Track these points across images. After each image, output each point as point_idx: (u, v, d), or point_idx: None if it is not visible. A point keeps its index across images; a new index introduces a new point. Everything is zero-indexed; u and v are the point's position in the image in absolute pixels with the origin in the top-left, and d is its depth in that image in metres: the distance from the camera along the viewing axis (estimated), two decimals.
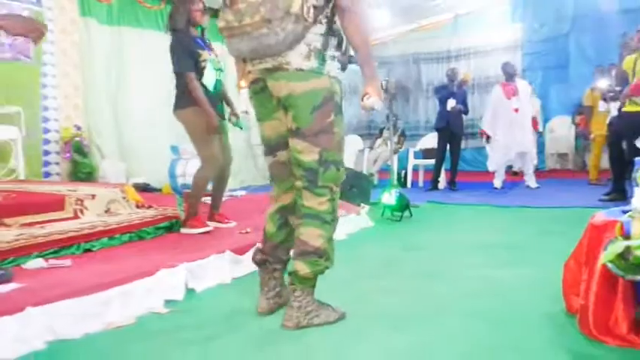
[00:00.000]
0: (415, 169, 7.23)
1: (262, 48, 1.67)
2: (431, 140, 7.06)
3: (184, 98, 3.11)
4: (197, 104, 3.06)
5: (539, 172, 7.07)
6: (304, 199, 1.78)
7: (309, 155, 1.75)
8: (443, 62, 8.81)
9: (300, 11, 1.61)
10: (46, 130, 5.18)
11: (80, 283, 2.00)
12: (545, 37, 8.37)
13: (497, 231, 3.79)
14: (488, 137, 6.33)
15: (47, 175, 5.14)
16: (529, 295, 2.13)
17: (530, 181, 6.31)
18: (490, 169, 6.53)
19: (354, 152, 7.38)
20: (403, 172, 7.15)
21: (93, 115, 5.58)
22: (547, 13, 8.27)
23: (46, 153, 5.17)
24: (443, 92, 6.46)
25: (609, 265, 1.48)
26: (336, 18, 1.74)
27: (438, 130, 6.54)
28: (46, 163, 5.16)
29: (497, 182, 6.46)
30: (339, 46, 1.78)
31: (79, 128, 5.35)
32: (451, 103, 6.25)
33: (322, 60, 1.72)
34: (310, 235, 1.75)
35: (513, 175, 7.17)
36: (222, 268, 2.47)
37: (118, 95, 5.81)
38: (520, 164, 6.47)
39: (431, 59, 9.12)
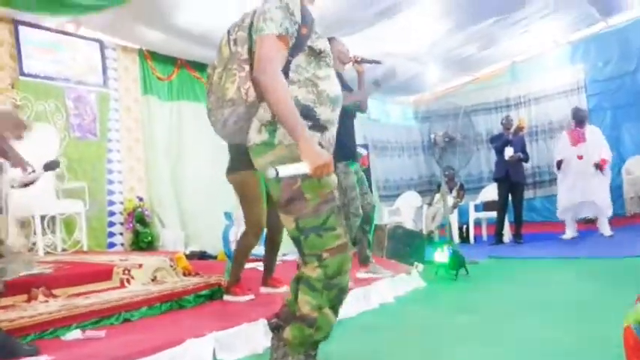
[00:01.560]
0: (477, 223, 6.92)
1: (219, 133, 1.87)
2: (492, 192, 6.77)
3: (237, 161, 3.18)
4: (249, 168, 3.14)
5: (618, 218, 6.56)
6: (302, 265, 1.77)
7: (288, 225, 1.77)
8: (502, 111, 8.58)
9: (235, 95, 1.72)
10: (111, 203, 5.47)
11: (107, 354, 2.01)
12: (610, 76, 7.98)
13: (562, 286, 3.49)
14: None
15: (112, 245, 5.39)
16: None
17: (604, 228, 5.85)
18: (560, 217, 6.14)
19: (412, 209, 7.21)
20: (465, 226, 6.87)
21: (154, 186, 5.86)
22: (610, 51, 7.92)
23: (111, 224, 5.44)
24: (498, 141, 6.25)
25: (633, 326, 1.30)
26: (290, 89, 1.70)
27: (497, 180, 6.29)
28: (111, 234, 5.42)
29: (569, 232, 6.04)
30: (303, 115, 1.70)
31: (141, 199, 5.62)
32: (509, 152, 6.03)
33: (272, 130, 1.73)
34: (301, 300, 1.72)
35: (587, 223, 6.67)
36: (254, 337, 2.40)
37: (177, 166, 6.09)
38: (591, 212, 6.04)
39: (489, 109, 8.92)
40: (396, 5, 5.54)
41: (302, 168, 1.59)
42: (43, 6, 4.56)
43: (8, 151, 2.32)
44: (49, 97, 4.88)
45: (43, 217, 4.42)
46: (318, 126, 1.77)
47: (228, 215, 5.34)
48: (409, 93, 9.24)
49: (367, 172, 5.55)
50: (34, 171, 2.64)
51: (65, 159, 4.90)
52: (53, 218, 4.61)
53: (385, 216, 7.20)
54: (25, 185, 2.74)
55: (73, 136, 5.07)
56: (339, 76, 3.87)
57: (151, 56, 5.86)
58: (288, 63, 1.72)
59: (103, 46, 5.41)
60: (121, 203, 5.55)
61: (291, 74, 1.74)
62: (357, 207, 3.69)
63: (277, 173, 1.57)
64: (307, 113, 1.73)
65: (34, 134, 4.64)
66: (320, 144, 1.74)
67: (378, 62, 3.96)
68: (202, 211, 5.99)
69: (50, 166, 3.19)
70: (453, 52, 7.42)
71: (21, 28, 4.72)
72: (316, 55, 1.77)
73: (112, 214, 5.45)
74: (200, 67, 6.25)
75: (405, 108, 9.90)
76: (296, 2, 1.73)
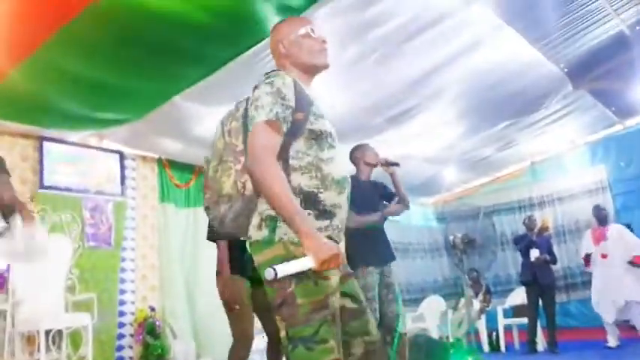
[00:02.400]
0: (508, 329, 6.48)
1: (218, 231, 1.82)
2: (521, 295, 6.41)
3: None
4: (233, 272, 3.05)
5: None
6: None
7: (281, 330, 1.59)
8: (525, 211, 8.38)
9: (232, 190, 1.65)
10: (122, 313, 5.33)
11: None
12: (634, 175, 7.80)
13: None
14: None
15: (120, 359, 5.17)
16: None
17: None
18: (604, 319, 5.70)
19: (436, 315, 6.83)
20: (494, 333, 6.43)
21: (168, 295, 5.72)
22: (631, 151, 7.81)
23: (121, 336, 5.26)
24: (522, 242, 6.03)
25: None
26: (291, 177, 1.63)
27: (525, 284, 5.98)
28: (120, 347, 5.21)
29: (611, 339, 5.57)
30: (307, 203, 1.63)
31: (153, 309, 5.47)
32: (534, 254, 5.78)
33: (273, 227, 1.60)
34: None
35: (631, 330, 6.16)
36: None
37: (190, 273, 5.98)
38: (630, 315, 5.61)
39: (512, 209, 8.75)
40: (408, 111, 5.66)
41: (306, 264, 1.46)
42: (68, 122, 4.80)
43: None
44: (66, 207, 4.98)
45: (48, 332, 4.30)
46: (325, 213, 1.65)
47: None
48: (429, 194, 9.18)
49: None
50: None
51: (77, 270, 4.86)
52: (60, 332, 4.47)
53: (408, 322, 6.83)
54: None
55: (88, 245, 5.08)
56: (380, 185, 3.88)
57: (169, 164, 6.01)
58: (286, 149, 1.64)
59: (122, 157, 5.59)
60: (132, 313, 5.41)
61: (291, 161, 1.65)
62: (374, 309, 3.48)
63: (276, 274, 1.44)
64: (312, 200, 1.63)
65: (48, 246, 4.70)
66: (329, 236, 1.62)
67: (397, 165, 3.94)
68: (215, 320, 5.76)
69: None
70: (470, 153, 7.45)
71: (45, 143, 4.93)
72: (317, 137, 1.68)
73: (121, 325, 5.30)
74: None
75: (425, 209, 9.80)
76: (289, 86, 1.67)
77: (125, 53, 3.70)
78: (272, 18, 3.69)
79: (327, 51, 1.82)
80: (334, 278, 1.62)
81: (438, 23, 4.22)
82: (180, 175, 6.13)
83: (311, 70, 1.83)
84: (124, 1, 3.13)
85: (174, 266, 5.88)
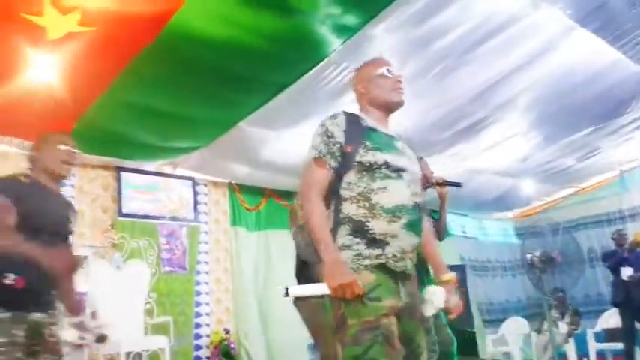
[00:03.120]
0: (601, 354, 5.96)
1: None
2: (614, 317, 5.88)
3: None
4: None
5: None
6: None
7: (338, 351, 1.69)
8: (615, 224, 7.73)
9: (302, 221, 1.81)
10: (198, 336, 5.47)
11: None
12: None
13: None
14: None
15: None
16: None
17: None
18: None
19: (519, 337, 6.43)
20: (585, 359, 5.93)
21: (241, 318, 5.80)
22: None
23: (197, 358, 5.38)
24: (612, 259, 5.56)
25: None
26: (342, 207, 1.78)
27: (616, 305, 5.49)
28: None
29: None
30: (357, 232, 1.75)
31: (227, 332, 5.56)
32: (626, 272, 5.31)
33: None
34: None
35: None
36: None
37: (264, 295, 6.04)
38: None
39: (598, 222, 8.12)
40: (477, 124, 5.44)
41: (319, 289, 1.59)
42: (143, 153, 5.06)
43: (68, 295, 2.35)
44: (144, 234, 5.21)
45: (128, 354, 4.47)
46: (375, 241, 1.72)
47: (310, 346, 5.07)
48: (505, 209, 8.74)
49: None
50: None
51: (155, 294, 5.05)
52: (139, 354, 4.64)
53: (489, 344, 6.48)
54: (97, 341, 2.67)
55: (164, 270, 5.27)
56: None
57: (239, 189, 6.15)
58: (339, 181, 1.80)
59: (194, 183, 5.79)
60: (208, 336, 5.52)
61: (342, 192, 1.79)
62: (433, 342, 3.29)
63: (287, 292, 1.60)
64: (360, 229, 1.74)
65: (127, 271, 4.94)
66: (383, 264, 1.70)
67: (459, 185, 3.77)
68: (288, 343, 5.77)
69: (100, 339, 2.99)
70: (549, 164, 7.02)
71: (123, 174, 5.21)
72: (367, 169, 1.78)
73: (198, 347, 5.42)
74: (287, 195, 6.41)
75: (503, 224, 9.34)
76: (339, 123, 1.83)
77: (189, 83, 3.85)
78: (330, 39, 3.70)
79: (402, 89, 1.95)
80: (388, 300, 1.67)
81: (503, 30, 4.03)
82: (251, 198, 6.25)
83: (386, 107, 1.96)
84: (184, 33, 3.25)
85: (247, 289, 5.96)
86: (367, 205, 1.74)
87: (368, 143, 1.81)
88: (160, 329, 4.83)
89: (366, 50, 3.81)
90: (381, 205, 1.73)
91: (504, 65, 4.51)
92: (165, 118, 4.29)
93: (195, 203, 5.76)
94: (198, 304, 5.55)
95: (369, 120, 1.91)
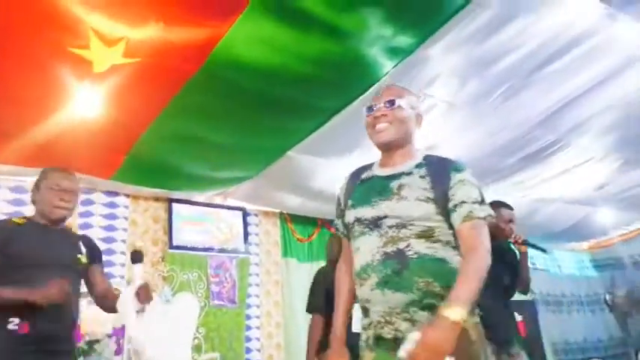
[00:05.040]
0: None
1: None
2: None
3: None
4: None
5: None
6: None
7: None
8: None
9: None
10: None
11: None
12: None
13: None
14: None
15: None
16: None
17: None
18: None
19: None
20: None
21: (293, 354, 5.53)
22: None
23: None
24: None
25: None
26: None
27: None
28: None
29: None
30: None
31: None
32: None
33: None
34: None
35: None
36: None
37: None
38: None
39: None
40: (545, 149, 5.00)
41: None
42: (193, 184, 5.00)
43: None
44: (193, 266, 5.09)
45: None
46: (365, 311, 1.61)
47: None
48: (580, 239, 8.04)
49: (526, 343, 4.56)
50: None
51: (204, 329, 4.89)
52: None
53: None
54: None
55: (213, 304, 5.11)
56: (507, 255, 3.43)
57: (291, 219, 5.96)
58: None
59: (245, 214, 5.65)
60: None
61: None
62: None
63: None
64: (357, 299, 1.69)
65: (177, 305, 4.81)
66: (374, 334, 1.57)
67: (543, 251, 3.53)
68: None
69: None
70: (629, 191, 6.38)
71: (174, 205, 5.14)
72: (349, 230, 1.70)
73: None
74: None
75: (579, 255, 8.60)
76: (342, 185, 1.82)
77: (236, 112, 3.72)
78: (382, 61, 3.47)
79: (382, 127, 1.73)
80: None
81: (575, 46, 3.64)
82: (303, 229, 6.05)
83: (379, 148, 1.82)
84: (229, 60, 3.12)
85: (298, 324, 5.69)
86: (353, 271, 1.67)
87: (349, 201, 1.74)
88: None
89: (421, 72, 3.56)
90: (355, 268, 1.63)
91: (577, 84, 4.10)
92: (214, 147, 4.18)
93: (246, 234, 5.61)
94: (248, 339, 5.34)
95: (375, 165, 1.81)
